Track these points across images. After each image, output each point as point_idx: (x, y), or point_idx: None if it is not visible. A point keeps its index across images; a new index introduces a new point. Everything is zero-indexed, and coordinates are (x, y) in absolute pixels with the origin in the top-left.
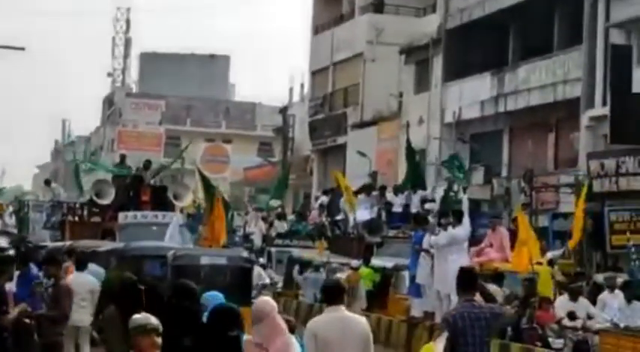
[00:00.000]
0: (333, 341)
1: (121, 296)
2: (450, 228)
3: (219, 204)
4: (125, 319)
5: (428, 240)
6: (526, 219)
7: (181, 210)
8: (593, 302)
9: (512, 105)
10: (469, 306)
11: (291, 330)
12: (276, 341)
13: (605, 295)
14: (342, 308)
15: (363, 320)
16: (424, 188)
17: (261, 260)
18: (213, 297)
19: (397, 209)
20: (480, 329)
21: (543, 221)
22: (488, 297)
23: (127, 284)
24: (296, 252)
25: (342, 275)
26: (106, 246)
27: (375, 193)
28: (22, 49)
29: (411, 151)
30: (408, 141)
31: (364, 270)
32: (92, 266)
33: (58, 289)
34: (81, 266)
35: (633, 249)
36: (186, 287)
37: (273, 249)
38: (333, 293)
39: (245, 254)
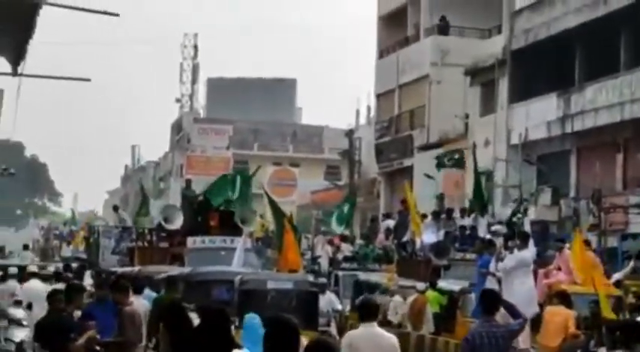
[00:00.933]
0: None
1: (167, 318)
2: (515, 251)
3: (289, 230)
4: (173, 339)
5: (494, 264)
6: (582, 241)
7: (250, 235)
8: None
9: (580, 126)
10: (488, 326)
11: None
12: None
13: None
14: (375, 324)
15: (392, 336)
16: (485, 210)
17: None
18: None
19: (464, 231)
20: (497, 347)
21: (612, 242)
22: (515, 314)
23: (173, 306)
24: (363, 276)
25: (408, 299)
26: (173, 271)
27: (442, 216)
28: (88, 80)
29: (475, 172)
30: (475, 163)
31: (431, 293)
32: (147, 290)
33: (123, 315)
34: (138, 291)
35: None
36: (285, 322)
37: (340, 273)
38: (369, 310)
39: (311, 278)
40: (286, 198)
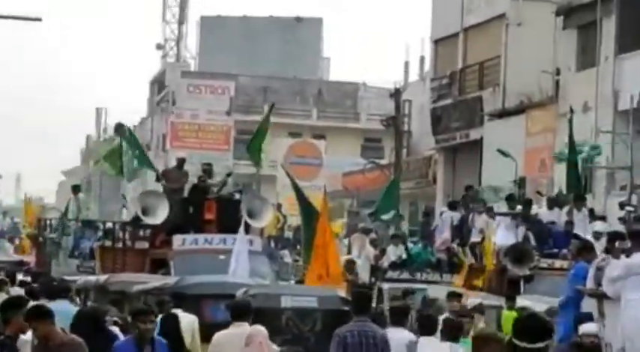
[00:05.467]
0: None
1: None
2: (623, 257)
3: (323, 224)
4: None
5: (593, 275)
6: None
7: (260, 232)
8: None
9: None
10: (360, 325)
11: None
12: None
13: None
14: (245, 324)
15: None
16: (583, 199)
17: None
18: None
19: (553, 229)
20: (368, 347)
21: None
22: (379, 318)
23: (81, 316)
24: (434, 291)
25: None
26: (153, 280)
27: (518, 208)
28: (39, 19)
29: (572, 148)
30: (571, 135)
31: (508, 314)
32: (63, 303)
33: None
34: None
35: None
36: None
37: (385, 285)
38: (238, 311)
39: (342, 293)
40: (308, 181)
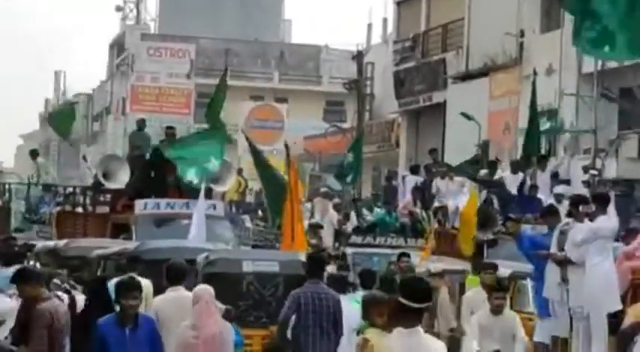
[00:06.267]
0: (171, 316)
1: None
2: (587, 221)
3: (294, 190)
4: None
5: (557, 239)
6: None
7: (222, 197)
8: None
9: None
10: (313, 287)
11: (231, 319)
12: (208, 321)
13: None
14: (181, 288)
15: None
16: (545, 162)
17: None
18: None
19: (516, 193)
20: (321, 308)
21: None
22: (332, 282)
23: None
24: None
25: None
26: (114, 245)
27: (483, 172)
28: None
29: (534, 111)
30: (534, 97)
31: (472, 278)
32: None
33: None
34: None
35: None
36: None
37: (349, 250)
38: (175, 275)
39: (304, 258)
40: (270, 145)
